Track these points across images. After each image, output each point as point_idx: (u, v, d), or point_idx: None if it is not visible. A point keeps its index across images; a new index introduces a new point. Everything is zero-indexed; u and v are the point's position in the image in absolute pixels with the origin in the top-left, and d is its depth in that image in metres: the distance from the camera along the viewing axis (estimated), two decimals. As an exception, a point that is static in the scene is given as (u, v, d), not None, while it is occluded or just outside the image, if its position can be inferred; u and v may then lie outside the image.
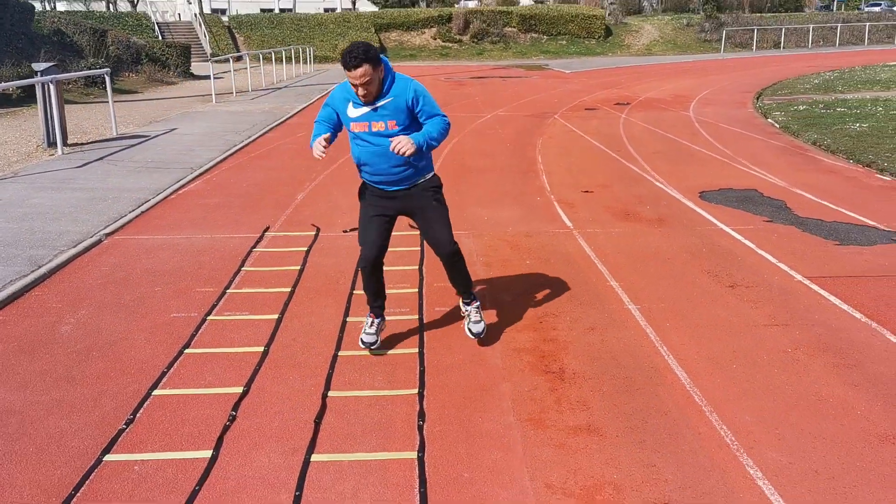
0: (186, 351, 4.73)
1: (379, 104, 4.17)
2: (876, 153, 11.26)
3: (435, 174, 4.57)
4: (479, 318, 4.74)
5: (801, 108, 16.91)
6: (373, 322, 4.67)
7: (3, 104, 17.95)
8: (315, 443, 3.70)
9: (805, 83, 22.91)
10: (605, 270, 6.24)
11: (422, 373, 4.43)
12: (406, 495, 3.29)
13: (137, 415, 3.97)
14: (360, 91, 4.08)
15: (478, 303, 4.79)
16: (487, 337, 4.89)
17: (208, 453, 3.60)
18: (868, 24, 49.02)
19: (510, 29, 46.85)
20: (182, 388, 4.24)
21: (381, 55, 4.10)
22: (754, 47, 46.48)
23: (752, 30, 47.37)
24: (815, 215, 7.94)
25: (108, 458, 3.57)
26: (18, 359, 4.63)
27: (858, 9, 56.42)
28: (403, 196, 4.43)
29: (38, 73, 11.53)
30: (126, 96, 21.72)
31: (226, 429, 3.83)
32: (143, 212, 8.19)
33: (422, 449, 3.64)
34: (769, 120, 15.71)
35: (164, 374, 4.43)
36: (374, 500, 3.25)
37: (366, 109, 4.19)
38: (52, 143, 11.82)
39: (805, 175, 10.07)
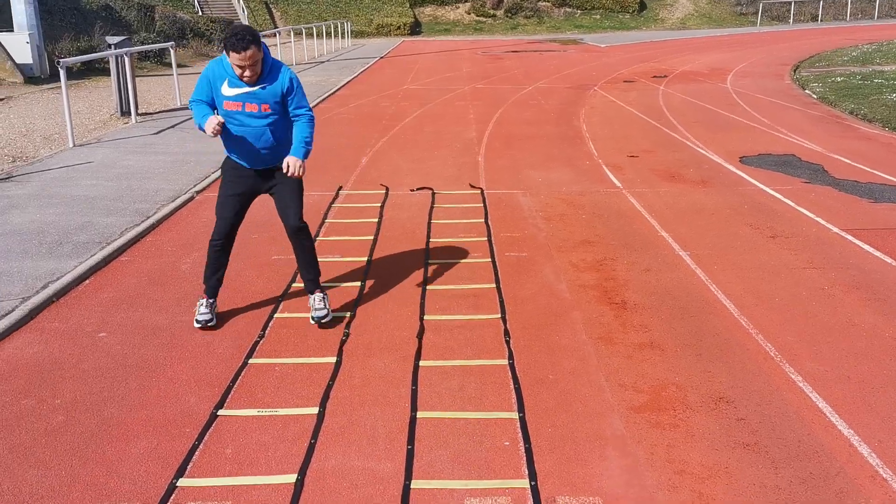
0: (294, 285, 5.44)
1: (257, 86, 4.31)
2: (911, 121, 11.66)
3: None
4: (322, 306, 4.71)
5: (838, 79, 17.22)
6: (207, 303, 4.72)
7: (68, 76, 18.76)
8: (420, 353, 4.39)
9: (843, 55, 23.08)
10: (655, 223, 6.85)
11: (501, 302, 5.11)
12: (503, 392, 3.97)
13: (266, 331, 4.69)
14: (247, 73, 4.21)
15: (323, 291, 4.78)
16: (556, 274, 5.55)
17: (333, 359, 4.31)
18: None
19: (544, 3, 46.97)
20: (298, 313, 4.94)
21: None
22: (791, 20, 46.18)
23: (790, 2, 47.02)
24: (851, 177, 8.46)
25: (251, 361, 4.30)
26: (153, 289, 5.38)
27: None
28: (264, 174, 4.58)
29: (113, 46, 12.27)
30: (179, 69, 22.45)
31: (343, 342, 4.53)
32: (223, 173, 8.90)
33: (511, 357, 4.32)
34: (806, 91, 16.07)
35: (279, 301, 5.14)
36: (478, 394, 3.94)
37: (242, 90, 4.30)
38: (125, 113, 12.60)
39: (842, 141, 10.54)
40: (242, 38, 4.13)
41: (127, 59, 12.12)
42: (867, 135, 11.18)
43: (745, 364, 4.24)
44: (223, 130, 4.33)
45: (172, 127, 11.89)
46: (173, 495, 3.12)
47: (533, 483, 3.19)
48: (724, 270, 5.66)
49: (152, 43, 22.10)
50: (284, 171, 4.37)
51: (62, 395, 3.92)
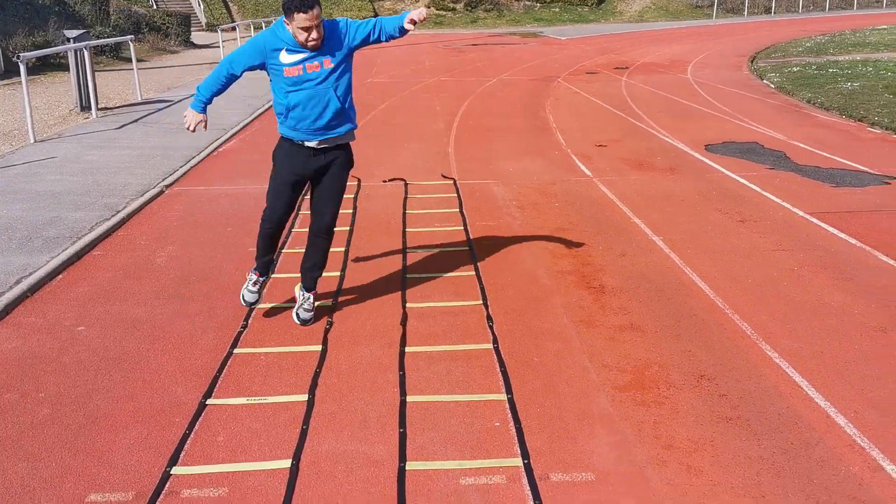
0: (273, 276, 5.42)
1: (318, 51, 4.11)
2: (867, 109, 11.97)
3: (353, 134, 4.47)
4: (310, 307, 4.60)
5: (794, 69, 17.58)
6: (257, 280, 4.63)
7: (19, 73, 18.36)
8: (405, 339, 4.42)
9: (797, 46, 23.55)
10: (627, 210, 6.96)
11: (482, 289, 5.15)
12: (490, 375, 4.02)
13: (249, 321, 4.67)
14: (313, 34, 3.98)
15: (314, 294, 4.65)
16: (534, 261, 5.62)
17: (318, 347, 4.31)
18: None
19: (503, -4, 47.07)
20: (278, 302, 4.93)
21: None
22: (746, 13, 46.94)
23: (743, -5, 47.77)
24: (813, 163, 8.66)
25: (236, 351, 4.29)
26: (129, 282, 5.32)
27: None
28: (321, 159, 4.35)
29: (72, 41, 12.04)
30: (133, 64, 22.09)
31: (327, 331, 4.54)
32: (192, 167, 8.82)
33: (495, 342, 4.37)
34: (764, 81, 16.38)
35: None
36: (465, 377, 3.98)
37: (302, 54, 4.08)
38: (84, 107, 12.37)
39: (802, 129, 10.79)
40: None
41: (86, 54, 11.90)
42: (825, 122, 11.45)
43: (723, 343, 4.34)
44: (283, 104, 4.19)
45: (135, 121, 11.72)
46: (168, 483, 3.11)
47: (526, 461, 3.24)
48: (697, 254, 5.78)
49: (108, 37, 21.70)
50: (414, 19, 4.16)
51: (45, 389, 3.87)
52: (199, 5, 42.29)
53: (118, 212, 6.87)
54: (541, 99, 14.27)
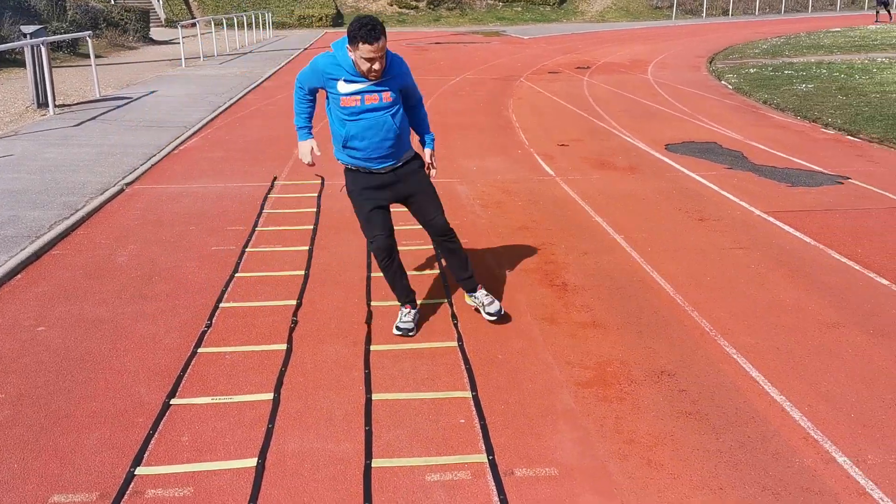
0: (237, 275, 5.41)
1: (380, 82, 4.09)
2: (821, 110, 12.25)
3: (412, 149, 4.46)
4: (491, 299, 4.60)
5: (751, 70, 17.91)
6: (409, 312, 4.52)
7: (-26, 68, 17.99)
8: (370, 338, 4.44)
9: (754, 48, 23.98)
10: (589, 209, 7.05)
11: (446, 286, 5.19)
12: (455, 372, 4.05)
13: (213, 321, 4.66)
14: (376, 66, 3.94)
15: (482, 288, 4.65)
16: (497, 259, 5.67)
17: (283, 346, 4.31)
18: (812, -9, 50.53)
19: (466, -5, 47.18)
20: (244, 302, 4.92)
21: None
22: (704, 14, 47.66)
23: (702, -3, 48.52)
24: (769, 163, 8.85)
25: (200, 350, 4.27)
26: (89, 282, 5.26)
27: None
28: (393, 178, 4.31)
29: (28, 36, 11.82)
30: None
31: (292, 330, 4.54)
32: (153, 165, 8.73)
33: (460, 339, 4.41)
34: (722, 82, 16.67)
35: (223, 291, 5.11)
36: (430, 375, 4.01)
37: (361, 84, 4.05)
38: (41, 104, 12.16)
39: (758, 129, 11.01)
40: (374, 28, 3.83)
41: (44, 50, 11.69)
42: (781, 123, 11.70)
43: (683, 339, 4.43)
44: (342, 136, 4.19)
45: (93, 119, 11.55)
46: (132, 484, 3.10)
47: (491, 457, 3.29)
48: (657, 252, 5.88)
49: (65, 33, 21.32)
50: (428, 171, 4.38)
51: (6, 391, 3.82)
52: (159, 1, 41.73)
53: (77, 210, 6.78)
54: (504, 98, 14.36)
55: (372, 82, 4.05)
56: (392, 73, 4.11)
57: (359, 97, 4.06)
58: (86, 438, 3.41)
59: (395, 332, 4.44)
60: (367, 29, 3.82)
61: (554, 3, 47.75)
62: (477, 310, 4.67)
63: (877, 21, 34.82)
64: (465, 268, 4.56)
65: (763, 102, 13.68)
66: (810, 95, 13.78)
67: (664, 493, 3.08)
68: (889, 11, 35.63)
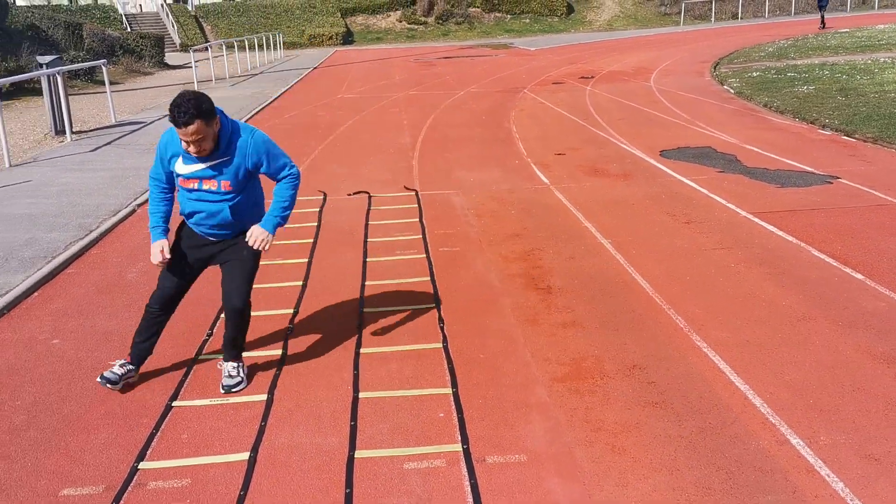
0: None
1: (214, 162, 3.82)
2: (819, 111, 12.42)
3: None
4: (236, 374, 4.20)
5: (754, 74, 18.08)
6: (125, 364, 4.20)
7: (-6, 98, 18.55)
8: (361, 342, 4.71)
9: (760, 51, 24.12)
10: (580, 215, 7.30)
11: (436, 292, 5.46)
12: (438, 371, 4.32)
13: (213, 330, 4.95)
14: (192, 148, 3.72)
15: (240, 363, 4.27)
16: (486, 266, 5.94)
17: (279, 352, 4.60)
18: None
19: (474, 9, 47.66)
20: (244, 312, 5.21)
21: (216, 107, 3.75)
22: (713, 19, 47.78)
23: (711, 2, 48.68)
24: (762, 165, 9.06)
25: (201, 357, 4.57)
26: (101, 297, 5.59)
27: (812, -22, 57.74)
28: (221, 245, 4.11)
29: (45, 66, 12.27)
30: (110, 87, 22.31)
31: (287, 336, 4.83)
32: (163, 186, 9.07)
33: (445, 341, 4.67)
34: (725, 86, 16.86)
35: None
36: (415, 374, 4.28)
37: (198, 166, 3.81)
38: (59, 131, 12.60)
39: (755, 133, 11.21)
40: (186, 112, 3.57)
41: (59, 78, 12.14)
42: (779, 125, 11.89)
43: (656, 335, 4.67)
44: (183, 206, 4.00)
45: (109, 144, 11.96)
46: (136, 477, 3.39)
47: (465, 446, 3.54)
48: (641, 255, 6.12)
49: (82, 61, 21.89)
50: (248, 241, 3.94)
51: (22, 398, 4.13)
52: (173, 27, 42.53)
53: (91, 231, 7.13)
54: (506, 110, 14.65)
55: (209, 165, 3.81)
56: (230, 154, 3.83)
57: (197, 180, 3.84)
58: (94, 438, 3.71)
59: (99, 378, 4.10)
60: (177, 111, 3.59)
61: (562, 14, 48.08)
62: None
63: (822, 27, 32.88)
64: (233, 347, 4.22)
65: (763, 105, 13.87)
66: (810, 97, 13.95)
67: (624, 475, 3.32)
68: (823, 16, 34.04)
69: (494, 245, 6.50)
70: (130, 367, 4.20)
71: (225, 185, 3.88)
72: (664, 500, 3.15)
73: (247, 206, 4.03)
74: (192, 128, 3.62)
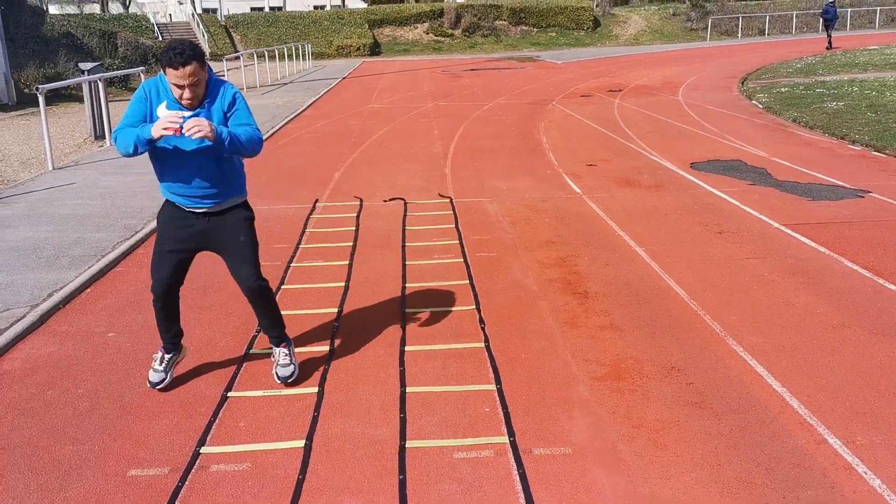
0: (283, 287, 5.89)
1: (198, 109, 3.76)
2: (849, 127, 12.47)
3: (247, 201, 4.20)
4: (287, 362, 4.31)
5: (783, 90, 18.12)
6: (163, 358, 4.26)
7: (34, 103, 18.97)
8: (405, 340, 4.87)
9: (788, 67, 24.13)
10: (613, 224, 7.42)
11: (475, 295, 5.61)
12: (481, 369, 4.46)
13: (263, 327, 5.13)
14: (187, 93, 3.65)
15: (288, 344, 4.37)
16: (523, 270, 6.08)
17: (326, 348, 4.76)
18: (850, 9, 50.27)
19: (501, 22, 47.96)
20: (290, 310, 5.38)
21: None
22: (740, 34, 47.74)
23: (738, 18, 48.66)
24: (792, 179, 9.14)
25: (252, 351, 4.74)
26: (150, 294, 5.77)
27: (840, -5, 57.53)
28: (208, 224, 4.03)
29: (86, 73, 12.61)
30: (142, 94, 22.74)
31: (333, 334, 4.99)
32: (203, 190, 9.31)
33: (486, 341, 4.82)
34: (753, 101, 16.91)
35: (271, 302, 5.58)
36: (459, 371, 4.42)
37: (181, 113, 3.67)
38: (98, 136, 12.92)
39: (784, 147, 11.28)
40: (182, 53, 3.57)
41: (100, 85, 12.46)
42: (808, 140, 11.94)
43: (693, 340, 4.79)
44: (158, 162, 3.87)
45: (147, 149, 12.24)
46: (198, 460, 3.56)
47: (512, 439, 3.68)
48: (675, 263, 6.23)
49: (116, 68, 22.34)
50: (186, 129, 3.54)
51: (84, 386, 4.32)
52: (203, 36, 43.18)
53: (136, 232, 7.35)
54: (535, 122, 14.81)
55: (191, 114, 3.71)
56: (211, 100, 3.81)
57: (178, 128, 3.59)
58: (155, 424, 3.89)
59: (148, 383, 4.21)
60: (173, 52, 3.57)
61: (588, 28, 48.26)
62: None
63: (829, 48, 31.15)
64: (270, 325, 4.30)
65: (792, 121, 13.92)
66: (840, 113, 13.98)
67: (666, 469, 3.44)
68: (830, 36, 31.98)
69: (530, 251, 6.64)
70: (167, 356, 4.26)
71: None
72: (707, 492, 3.26)
73: (230, 160, 3.93)
74: (189, 68, 3.59)
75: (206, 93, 3.79)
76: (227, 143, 3.70)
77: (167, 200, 4.07)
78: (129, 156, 3.79)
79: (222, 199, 4.03)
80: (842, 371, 4.32)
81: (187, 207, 4.00)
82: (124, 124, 3.79)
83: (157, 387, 4.21)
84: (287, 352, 4.35)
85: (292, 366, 4.33)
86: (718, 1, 52.09)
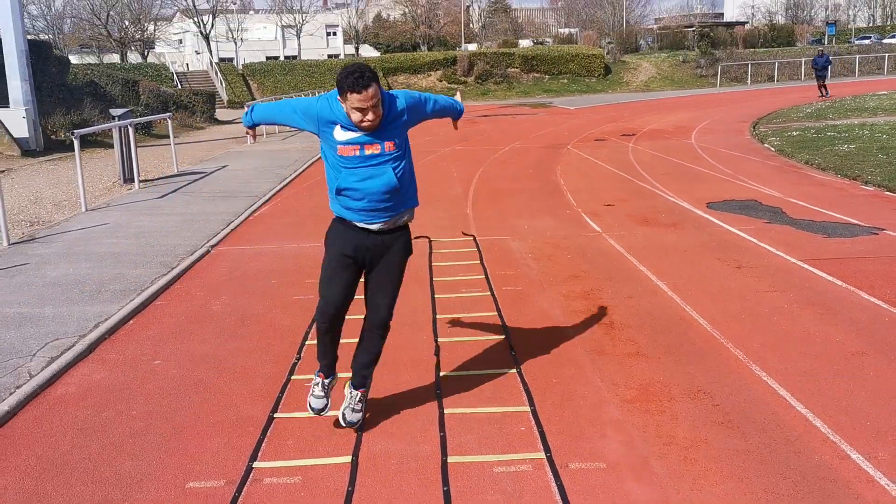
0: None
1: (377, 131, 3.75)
2: (861, 168, 12.70)
3: (413, 213, 4.09)
4: (360, 408, 4.20)
5: (794, 133, 18.42)
6: (323, 383, 4.21)
7: (61, 149, 19.52)
8: (439, 367, 5.07)
9: (798, 112, 24.49)
10: (634, 260, 7.64)
11: (504, 325, 5.82)
12: (514, 392, 4.65)
13: (301, 354, 5.35)
14: (369, 116, 3.62)
15: (367, 390, 4.27)
16: (549, 302, 6.29)
17: (364, 374, 4.96)
18: (858, 56, 50.93)
19: (513, 69, 48.83)
20: (326, 340, 5.60)
21: None
22: (749, 81, 48.37)
23: (747, 64, 49.37)
24: (807, 217, 9.35)
25: (293, 377, 4.96)
26: (192, 326, 6.02)
27: (849, 42, 58.38)
28: (379, 239, 3.95)
29: (117, 118, 13.05)
30: (165, 140, 23.26)
31: (370, 361, 5.19)
32: (232, 229, 9.62)
33: (518, 367, 5.01)
34: (765, 145, 17.21)
35: (307, 332, 5.80)
36: (493, 395, 4.61)
37: (358, 132, 3.71)
38: (128, 179, 13.30)
39: (798, 187, 11.52)
40: (363, 76, 3.53)
41: (130, 130, 12.88)
42: (821, 181, 12.18)
43: (718, 366, 4.97)
44: (336, 181, 3.84)
45: (175, 191, 12.61)
46: (252, 474, 3.75)
47: (548, 454, 3.86)
48: (697, 295, 6.43)
49: (139, 115, 22.93)
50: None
51: (136, 409, 4.54)
52: (222, 84, 44.13)
53: (172, 268, 7.62)
54: (551, 164, 15.13)
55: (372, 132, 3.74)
56: (392, 117, 3.79)
57: (357, 146, 3.70)
58: (208, 443, 4.09)
59: (310, 410, 4.18)
60: (353, 77, 3.54)
61: (599, 75, 49.04)
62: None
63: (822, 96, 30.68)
64: (371, 364, 4.22)
65: (805, 163, 14.17)
66: (852, 155, 14.23)
67: (697, 481, 3.61)
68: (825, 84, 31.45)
69: (555, 285, 6.85)
70: (327, 380, 4.20)
71: (389, 145, 3.77)
72: (737, 502, 3.43)
73: (408, 174, 3.93)
74: (372, 90, 3.55)
75: (382, 111, 3.73)
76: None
77: (337, 218, 4.00)
78: (249, 126, 4.22)
79: (395, 216, 3.95)
80: (863, 394, 4.49)
81: (360, 223, 3.92)
82: (269, 104, 4.16)
83: (322, 413, 4.17)
84: (363, 397, 4.21)
85: (361, 413, 4.20)
86: (728, 48, 52.91)
